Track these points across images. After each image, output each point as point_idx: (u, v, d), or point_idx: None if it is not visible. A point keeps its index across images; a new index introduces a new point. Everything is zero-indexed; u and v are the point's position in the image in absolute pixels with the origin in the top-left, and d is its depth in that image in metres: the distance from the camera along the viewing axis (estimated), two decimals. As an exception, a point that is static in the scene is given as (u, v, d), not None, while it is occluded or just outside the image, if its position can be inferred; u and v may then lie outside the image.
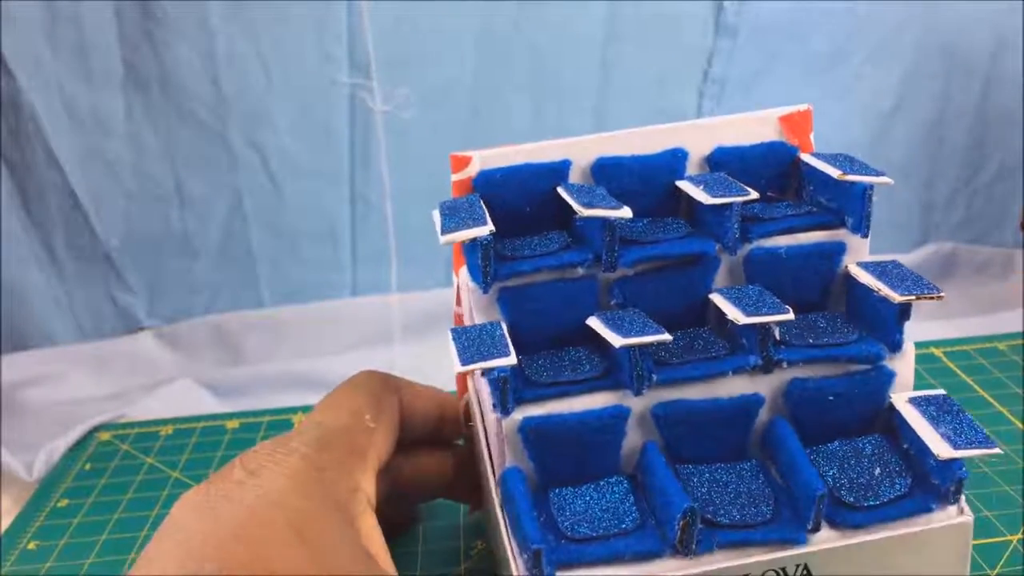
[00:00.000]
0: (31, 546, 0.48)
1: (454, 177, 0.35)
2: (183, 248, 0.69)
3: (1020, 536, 0.44)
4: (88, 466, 0.55)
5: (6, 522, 0.51)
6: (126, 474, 0.54)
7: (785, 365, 0.34)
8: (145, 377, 0.68)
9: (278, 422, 0.58)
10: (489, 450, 0.35)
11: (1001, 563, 0.42)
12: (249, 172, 0.68)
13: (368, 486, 0.32)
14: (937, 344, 0.61)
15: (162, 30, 0.63)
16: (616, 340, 0.31)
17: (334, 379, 0.66)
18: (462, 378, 0.41)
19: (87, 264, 0.69)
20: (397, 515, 0.44)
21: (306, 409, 0.60)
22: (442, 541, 0.46)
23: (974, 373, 0.57)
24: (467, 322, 0.36)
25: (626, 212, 0.32)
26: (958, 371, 0.58)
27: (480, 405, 0.37)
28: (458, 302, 0.38)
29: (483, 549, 0.45)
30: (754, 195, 0.34)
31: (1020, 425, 0.52)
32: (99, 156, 0.66)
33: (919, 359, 0.59)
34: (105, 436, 0.58)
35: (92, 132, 0.65)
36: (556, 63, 0.69)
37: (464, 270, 0.36)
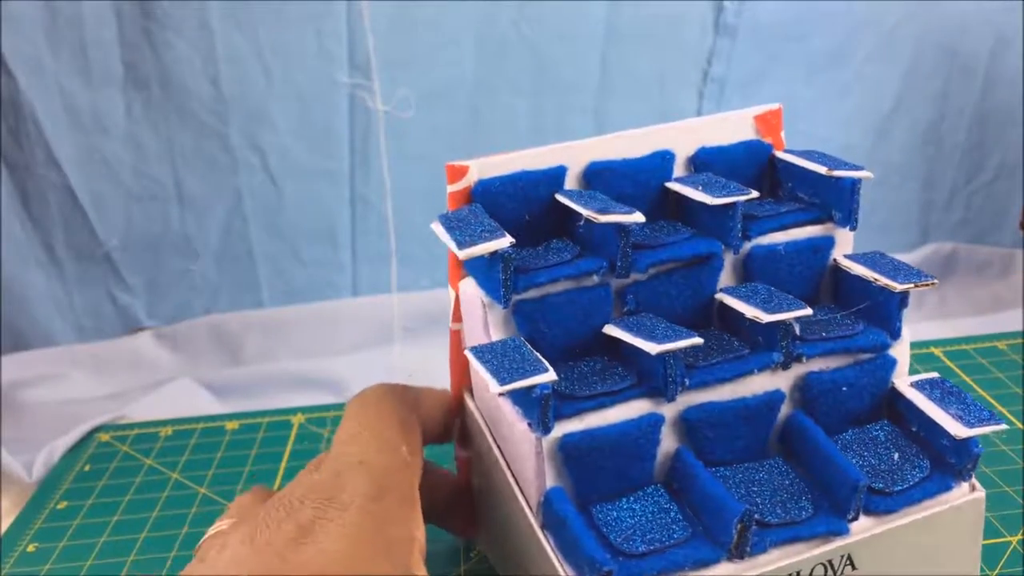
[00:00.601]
0: (30, 548, 0.48)
1: (451, 188, 0.34)
2: (183, 248, 0.69)
3: (1020, 537, 0.44)
4: (87, 467, 0.55)
5: (5, 523, 0.51)
6: (126, 475, 0.54)
7: (804, 360, 0.34)
8: (145, 377, 0.68)
9: (278, 423, 0.58)
10: (512, 470, 0.34)
11: (1001, 564, 0.42)
12: (249, 172, 0.68)
13: (420, 533, 0.31)
14: (937, 344, 0.61)
15: (162, 30, 0.63)
16: (651, 347, 0.31)
17: (334, 379, 0.67)
18: (458, 392, 0.40)
19: (87, 264, 0.69)
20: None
21: (306, 411, 0.59)
22: (443, 542, 0.45)
23: (974, 373, 0.58)
24: (474, 339, 0.35)
25: (639, 217, 0.32)
26: (958, 371, 0.58)
27: (492, 426, 0.36)
28: (456, 318, 0.37)
29: (482, 552, 0.45)
30: (754, 194, 0.34)
31: (1020, 425, 0.52)
32: (99, 156, 0.66)
33: (919, 359, 0.60)
34: (104, 437, 0.58)
35: (92, 132, 0.65)
36: (556, 63, 0.69)
37: (467, 284, 0.35)
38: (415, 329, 0.71)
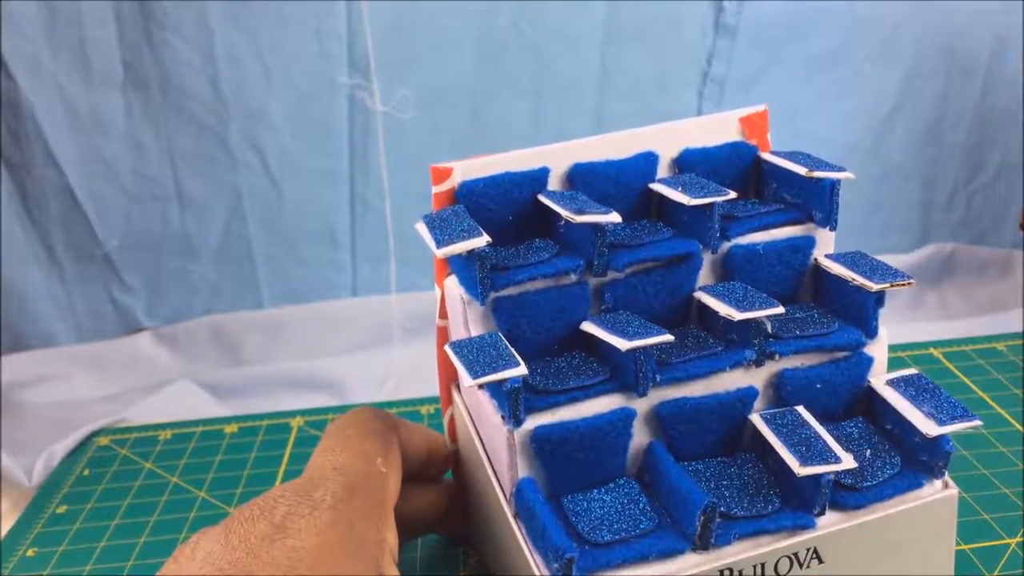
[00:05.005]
0: (30, 553, 0.47)
1: (435, 189, 0.35)
2: (183, 248, 0.69)
3: (1019, 539, 0.44)
4: (87, 471, 0.55)
5: (5, 527, 0.50)
6: (125, 479, 0.54)
7: (777, 357, 0.35)
8: (145, 378, 0.68)
9: (277, 426, 0.58)
10: (491, 462, 0.35)
11: (1000, 566, 0.42)
12: (249, 172, 0.68)
13: (391, 536, 0.32)
14: (936, 344, 0.61)
15: (162, 30, 0.63)
16: (622, 344, 0.31)
17: (333, 380, 0.67)
18: (446, 391, 0.40)
19: (87, 264, 0.69)
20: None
21: (305, 413, 0.60)
22: (441, 548, 0.46)
23: (973, 374, 0.58)
24: (456, 334, 0.36)
25: (615, 217, 0.33)
26: (957, 372, 0.58)
27: (475, 419, 0.37)
28: (442, 315, 0.38)
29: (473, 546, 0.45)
30: (732, 195, 0.35)
31: (1019, 426, 0.52)
32: (99, 156, 0.66)
33: (918, 360, 0.60)
34: (104, 441, 0.58)
35: (92, 132, 0.65)
36: (556, 63, 0.69)
37: (451, 282, 0.35)
38: (415, 329, 0.71)
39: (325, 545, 0.28)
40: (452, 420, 0.41)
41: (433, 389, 0.57)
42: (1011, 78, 0.76)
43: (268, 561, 0.27)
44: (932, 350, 0.61)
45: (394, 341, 0.71)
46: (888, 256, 0.75)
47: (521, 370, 0.30)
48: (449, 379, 0.40)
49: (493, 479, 0.35)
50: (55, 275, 0.69)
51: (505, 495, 0.34)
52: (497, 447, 0.33)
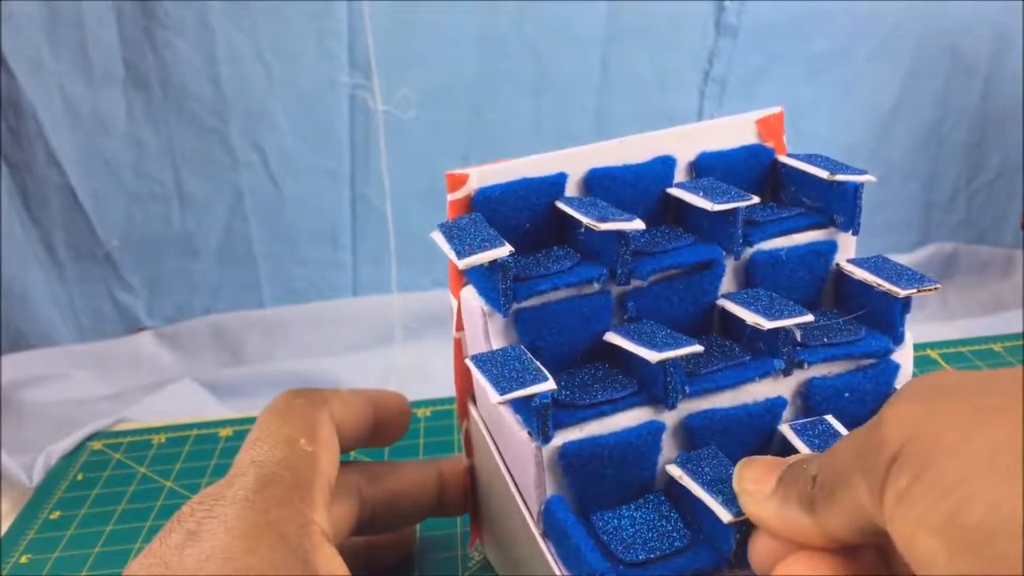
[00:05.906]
0: (24, 560, 0.47)
1: (451, 196, 0.34)
2: (183, 248, 0.69)
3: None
4: (80, 476, 0.53)
5: (4, 527, 0.50)
6: (119, 484, 0.53)
7: (806, 366, 0.34)
8: (145, 377, 0.68)
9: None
10: (515, 478, 0.34)
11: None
12: (249, 172, 0.68)
13: (320, 516, 0.30)
14: (933, 346, 0.61)
15: (163, 30, 0.63)
16: (651, 355, 0.30)
17: (334, 379, 0.67)
18: (463, 404, 0.39)
19: (87, 264, 0.69)
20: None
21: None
22: (441, 551, 0.45)
23: (971, 375, 0.57)
24: (475, 347, 0.35)
25: (639, 224, 0.32)
26: (956, 373, 0.58)
27: (495, 433, 0.36)
28: (459, 327, 0.36)
29: (481, 560, 0.44)
30: (755, 200, 0.34)
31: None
32: (99, 156, 0.66)
33: (915, 361, 0.59)
34: (97, 445, 0.57)
35: (92, 132, 0.65)
36: (556, 63, 0.69)
37: (468, 293, 0.34)
38: (415, 329, 0.71)
39: (234, 541, 0.27)
40: (468, 433, 0.40)
41: (434, 390, 0.57)
42: (1012, 77, 0.76)
43: (178, 568, 0.27)
44: (928, 351, 0.60)
45: (395, 341, 0.71)
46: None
47: (550, 385, 0.29)
48: (465, 392, 0.39)
49: (517, 496, 0.34)
50: (56, 274, 0.69)
51: (531, 513, 0.33)
52: (523, 463, 0.32)
